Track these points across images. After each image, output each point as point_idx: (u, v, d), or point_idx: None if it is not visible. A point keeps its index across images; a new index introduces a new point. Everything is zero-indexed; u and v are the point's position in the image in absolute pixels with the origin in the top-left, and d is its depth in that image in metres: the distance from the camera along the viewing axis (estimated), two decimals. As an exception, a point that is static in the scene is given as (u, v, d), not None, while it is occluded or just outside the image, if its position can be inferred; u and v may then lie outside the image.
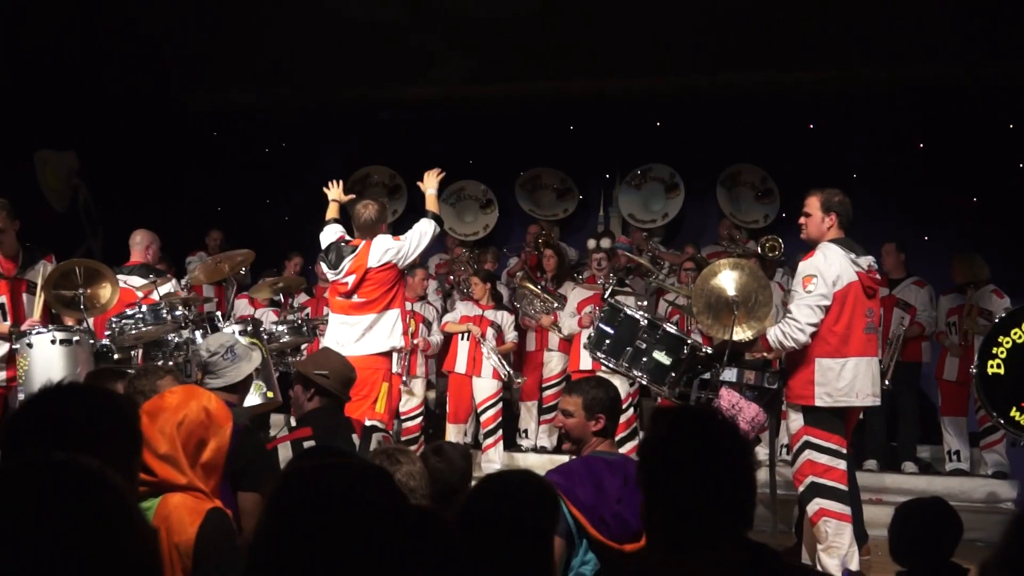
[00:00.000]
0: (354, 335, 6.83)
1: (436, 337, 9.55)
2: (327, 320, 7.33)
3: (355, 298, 6.88)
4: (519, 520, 2.55)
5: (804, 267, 5.75)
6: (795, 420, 5.78)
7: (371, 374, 6.76)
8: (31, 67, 9.48)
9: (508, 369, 9.14)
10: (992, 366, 6.37)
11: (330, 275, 7.06)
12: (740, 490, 2.21)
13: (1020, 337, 6.29)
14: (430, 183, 7.20)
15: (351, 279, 6.86)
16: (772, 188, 11.14)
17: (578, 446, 4.01)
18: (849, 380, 5.63)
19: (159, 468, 2.97)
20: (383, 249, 6.87)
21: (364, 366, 6.70)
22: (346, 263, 6.89)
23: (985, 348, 6.47)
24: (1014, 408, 6.36)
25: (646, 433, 2.39)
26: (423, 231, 6.98)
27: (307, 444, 4.56)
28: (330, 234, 7.20)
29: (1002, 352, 6.42)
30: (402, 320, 7.03)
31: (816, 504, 5.62)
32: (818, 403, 5.64)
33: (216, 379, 4.74)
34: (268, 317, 9.28)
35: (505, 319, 9.38)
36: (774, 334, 5.70)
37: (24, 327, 6.47)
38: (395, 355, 7.30)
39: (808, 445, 5.68)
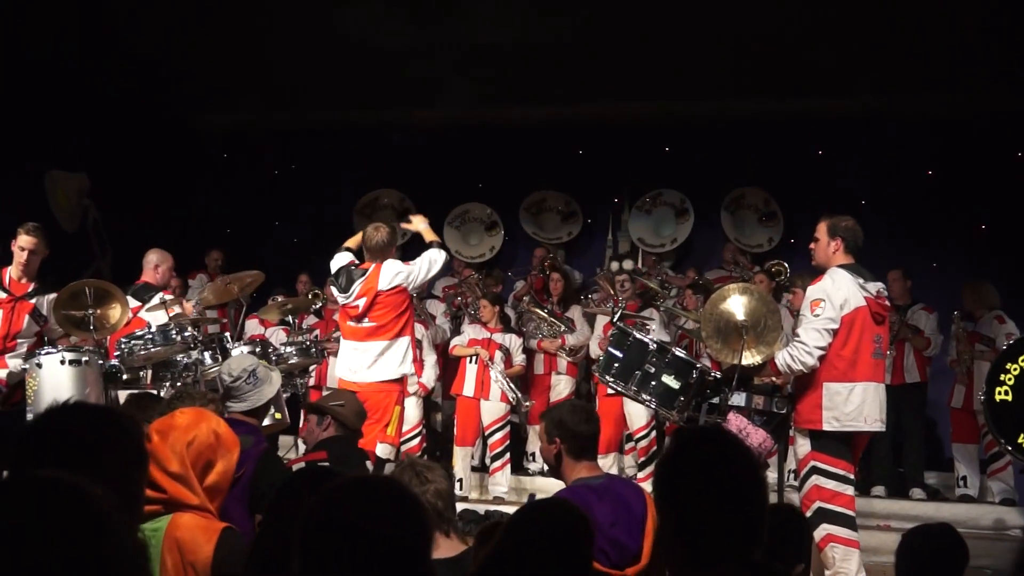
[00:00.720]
0: (366, 361, 6.88)
1: (430, 374, 9.57)
2: (337, 338, 7.35)
3: (366, 322, 6.92)
4: (554, 550, 2.52)
5: (812, 291, 5.78)
6: (802, 445, 5.78)
7: (384, 397, 6.80)
8: (42, 88, 9.54)
9: (516, 393, 9.14)
10: (1000, 392, 6.37)
11: (340, 298, 7.11)
12: (749, 509, 2.22)
13: (1029, 364, 6.29)
14: (417, 221, 7.45)
15: (361, 302, 6.92)
16: (775, 211, 11.14)
17: (559, 474, 3.99)
18: (857, 405, 5.63)
19: (169, 486, 2.98)
20: (393, 272, 6.95)
21: (377, 390, 6.74)
22: (356, 286, 6.95)
23: (993, 375, 6.47)
24: (1022, 435, 6.35)
25: (663, 453, 2.41)
26: (432, 259, 7.12)
27: (321, 465, 4.56)
28: (340, 260, 7.27)
29: (1010, 379, 6.42)
30: (412, 347, 7.07)
31: (823, 529, 5.60)
32: (826, 427, 5.64)
33: (239, 403, 4.73)
34: (278, 336, 9.32)
35: (513, 342, 9.38)
36: (782, 357, 5.72)
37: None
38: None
39: (815, 470, 5.68)
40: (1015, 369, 6.45)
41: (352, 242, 7.43)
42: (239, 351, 6.64)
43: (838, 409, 5.64)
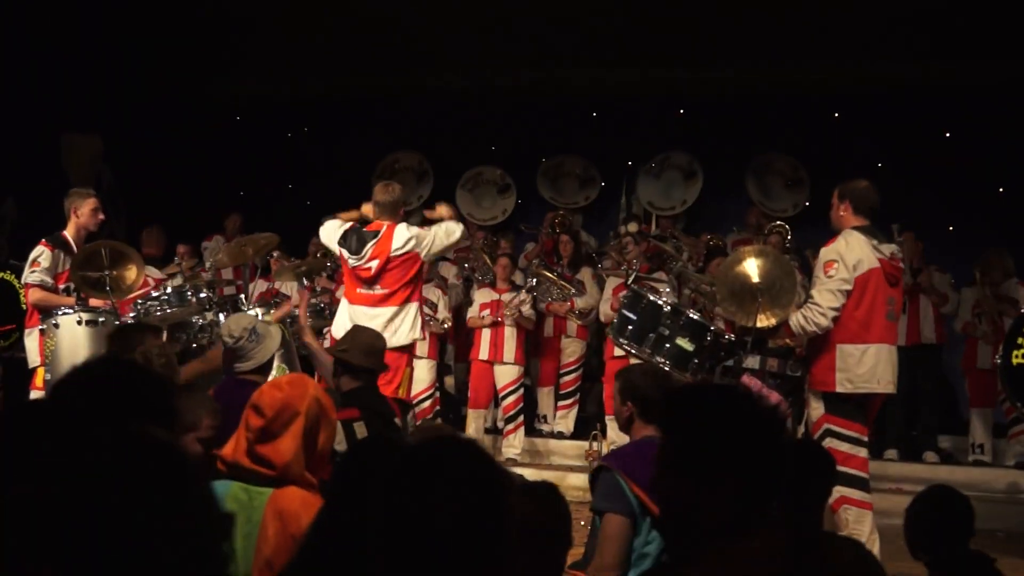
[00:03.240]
0: (375, 328, 6.70)
1: (442, 315, 9.51)
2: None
3: (377, 288, 6.76)
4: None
5: (825, 252, 5.76)
6: (816, 408, 5.78)
7: (394, 360, 6.73)
8: (57, 51, 9.54)
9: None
10: (1017, 356, 6.35)
11: (351, 261, 6.82)
12: (778, 470, 2.08)
13: (1045, 328, 6.27)
14: (443, 212, 7.19)
15: (374, 264, 6.72)
16: (803, 177, 10.98)
17: (629, 433, 4.06)
18: (870, 366, 5.62)
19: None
20: (405, 237, 6.77)
21: (387, 356, 6.69)
22: (368, 247, 6.74)
23: (1010, 339, 6.45)
24: (1038, 399, 6.35)
25: (671, 413, 2.26)
26: (450, 229, 6.93)
27: (356, 425, 4.45)
28: (331, 227, 7.03)
29: (1027, 343, 6.40)
30: (421, 313, 6.99)
31: (837, 492, 5.58)
32: (839, 389, 5.63)
33: (246, 362, 4.69)
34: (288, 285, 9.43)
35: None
36: (796, 319, 5.70)
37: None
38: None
39: (829, 433, 5.67)
40: (1032, 333, 6.43)
41: (346, 216, 7.13)
42: (255, 312, 6.65)
43: (851, 371, 5.63)
